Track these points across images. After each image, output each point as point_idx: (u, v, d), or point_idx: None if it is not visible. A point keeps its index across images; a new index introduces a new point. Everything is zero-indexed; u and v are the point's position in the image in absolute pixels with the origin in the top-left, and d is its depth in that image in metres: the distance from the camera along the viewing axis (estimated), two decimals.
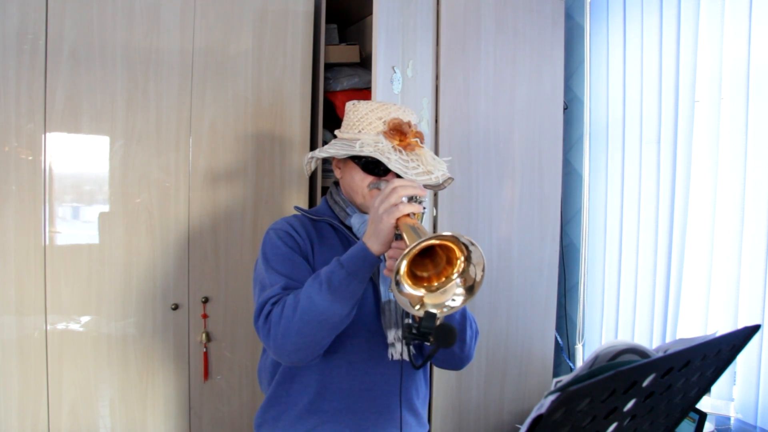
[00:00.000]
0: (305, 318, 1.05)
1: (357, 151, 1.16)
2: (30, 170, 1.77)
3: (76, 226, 1.85)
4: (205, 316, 2.01)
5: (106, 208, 1.87)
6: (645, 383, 0.65)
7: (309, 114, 2.17)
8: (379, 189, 1.19)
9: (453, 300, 0.96)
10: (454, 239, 0.93)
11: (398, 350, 1.21)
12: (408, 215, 1.01)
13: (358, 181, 1.23)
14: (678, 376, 0.71)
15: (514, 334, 2.17)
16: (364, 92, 2.26)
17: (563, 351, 2.44)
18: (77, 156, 1.83)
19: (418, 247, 0.90)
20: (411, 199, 1.04)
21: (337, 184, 1.33)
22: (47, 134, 1.78)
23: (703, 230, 1.93)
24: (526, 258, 2.18)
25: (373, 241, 1.03)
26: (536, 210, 2.19)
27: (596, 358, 0.77)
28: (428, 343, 0.95)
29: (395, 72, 1.81)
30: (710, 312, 1.90)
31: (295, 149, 2.14)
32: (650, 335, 2.10)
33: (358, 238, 1.25)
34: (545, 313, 2.26)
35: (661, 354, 0.67)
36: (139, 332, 1.92)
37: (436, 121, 1.95)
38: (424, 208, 1.05)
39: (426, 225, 1.94)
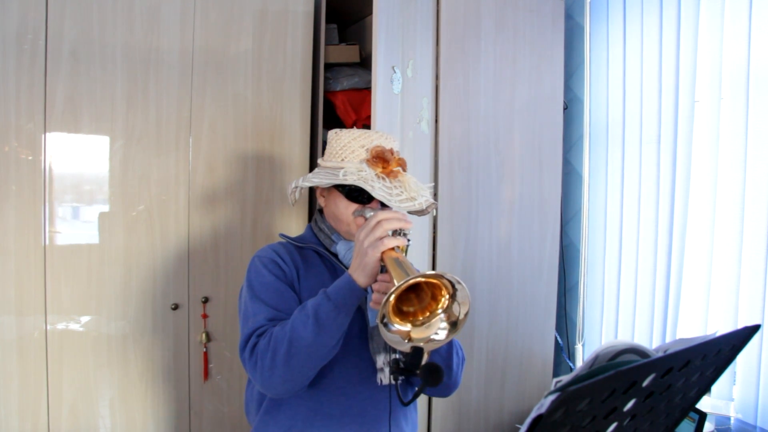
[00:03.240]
0: (292, 350, 1.05)
1: (341, 180, 1.17)
2: (30, 170, 1.77)
3: (76, 226, 1.85)
4: (205, 316, 2.01)
5: (106, 208, 1.87)
6: (645, 383, 0.65)
7: (309, 114, 2.17)
8: (363, 216, 1.20)
9: (437, 334, 0.98)
10: (439, 277, 0.95)
11: (387, 375, 1.21)
12: (392, 249, 1.02)
13: (343, 209, 1.23)
14: (678, 376, 0.71)
15: (514, 334, 2.17)
16: (364, 92, 2.26)
17: (563, 351, 2.44)
18: (77, 156, 1.83)
19: (404, 286, 0.91)
20: (396, 231, 1.06)
21: (321, 212, 1.34)
22: (47, 134, 1.78)
23: (703, 230, 1.93)
24: (526, 258, 2.18)
25: (359, 273, 1.05)
26: (536, 210, 2.19)
27: (596, 358, 0.77)
28: (417, 377, 0.96)
29: (395, 72, 1.81)
30: (710, 312, 1.90)
31: (295, 149, 2.14)
32: (650, 335, 2.10)
33: (344, 265, 1.26)
34: (545, 313, 2.26)
35: (661, 354, 0.67)
36: (139, 332, 1.92)
37: (436, 121, 1.95)
38: (409, 240, 1.07)
39: (425, 228, 1.94)
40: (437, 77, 1.95)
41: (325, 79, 2.25)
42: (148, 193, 1.91)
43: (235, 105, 2.03)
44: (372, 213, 1.18)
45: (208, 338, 2.02)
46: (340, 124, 2.34)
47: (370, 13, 1.77)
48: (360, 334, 1.22)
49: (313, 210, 2.18)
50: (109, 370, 1.88)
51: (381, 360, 1.21)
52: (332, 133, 1.28)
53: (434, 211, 1.95)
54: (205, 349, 2.01)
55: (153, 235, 1.92)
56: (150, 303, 1.93)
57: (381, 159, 1.19)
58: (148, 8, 1.88)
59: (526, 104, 2.15)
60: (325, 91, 2.25)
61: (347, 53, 2.32)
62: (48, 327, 1.80)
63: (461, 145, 2.00)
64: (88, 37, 1.81)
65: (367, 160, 1.20)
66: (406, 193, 1.19)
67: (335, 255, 1.28)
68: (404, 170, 1.23)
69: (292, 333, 1.06)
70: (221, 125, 2.01)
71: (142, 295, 1.92)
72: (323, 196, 1.30)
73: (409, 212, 1.26)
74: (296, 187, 1.28)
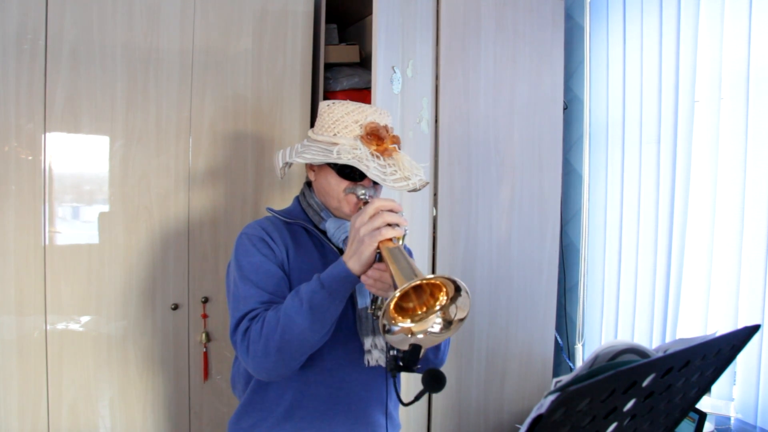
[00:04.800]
0: (286, 337, 1.05)
1: (335, 158, 1.13)
2: (30, 170, 1.77)
3: (76, 226, 1.85)
4: (204, 316, 2.01)
5: (106, 208, 1.87)
6: (645, 383, 0.65)
7: (309, 114, 2.17)
8: (355, 194, 1.18)
9: (432, 327, 0.98)
10: (442, 279, 0.93)
11: (374, 357, 1.21)
12: (390, 239, 1.00)
13: (334, 186, 1.20)
14: (678, 376, 0.71)
15: (514, 334, 2.17)
16: (363, 92, 2.26)
17: (563, 351, 2.44)
18: (77, 156, 1.83)
19: (406, 289, 0.90)
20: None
21: (309, 185, 1.31)
22: (47, 134, 1.78)
23: (703, 230, 1.93)
24: (526, 258, 2.18)
25: (354, 261, 1.02)
26: (536, 210, 2.19)
27: (596, 358, 0.77)
28: (411, 372, 0.96)
29: (395, 72, 1.81)
30: (710, 312, 1.90)
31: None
32: (650, 335, 2.10)
33: (332, 243, 1.24)
34: (545, 313, 2.26)
35: (661, 354, 0.67)
36: (139, 332, 1.92)
37: (436, 121, 1.95)
38: (406, 230, 1.04)
39: (425, 226, 1.94)
40: (437, 77, 1.95)
41: (325, 79, 2.25)
42: (148, 193, 1.91)
43: (235, 105, 2.03)
44: (364, 191, 1.16)
45: (208, 338, 2.02)
46: None
47: (370, 13, 1.77)
48: (348, 316, 1.21)
49: None
50: (109, 370, 1.88)
51: (369, 342, 1.20)
52: (324, 105, 1.23)
53: (434, 210, 1.96)
54: (205, 349, 2.01)
55: (153, 235, 1.92)
56: (150, 303, 1.93)
57: (375, 136, 1.16)
58: (148, 8, 1.88)
59: (526, 104, 2.15)
60: (325, 91, 2.25)
61: (347, 53, 2.32)
62: (48, 327, 1.80)
63: (461, 145, 2.00)
64: (88, 37, 1.81)
65: (362, 137, 1.16)
66: (400, 172, 1.16)
67: (324, 232, 1.25)
68: (398, 148, 1.20)
69: (286, 320, 1.05)
70: (221, 125, 2.01)
71: (142, 295, 1.92)
72: (313, 170, 1.26)
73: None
74: (286, 164, 1.25)
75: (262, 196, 2.09)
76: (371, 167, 1.13)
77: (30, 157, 1.77)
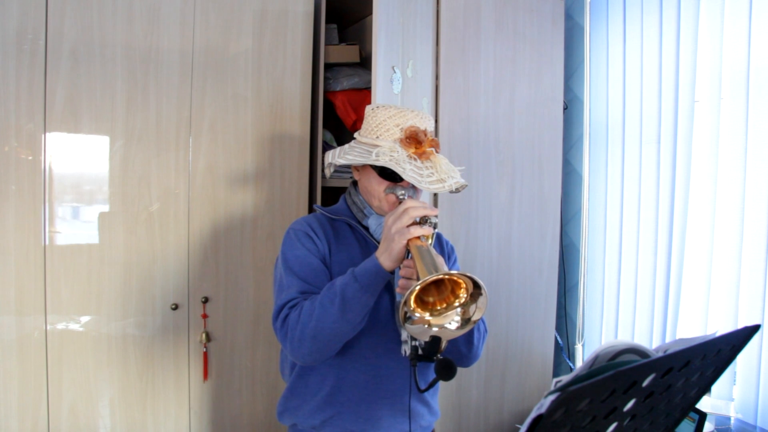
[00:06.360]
0: (320, 325, 1.13)
1: (373, 160, 1.20)
2: (30, 170, 1.77)
3: (76, 226, 1.85)
4: (204, 316, 2.01)
5: (106, 208, 1.87)
6: (645, 383, 0.65)
7: (309, 114, 2.17)
8: (394, 194, 1.25)
9: (450, 324, 1.04)
10: (464, 278, 1.00)
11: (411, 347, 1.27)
12: (418, 237, 1.08)
13: (375, 185, 1.28)
14: (678, 376, 0.71)
15: (514, 334, 2.17)
16: (364, 92, 2.26)
17: (563, 351, 2.44)
18: (77, 156, 1.83)
19: (426, 282, 0.97)
20: (423, 218, 1.11)
21: (355, 184, 1.38)
22: (47, 134, 1.78)
23: (703, 230, 1.93)
24: (526, 258, 2.18)
25: (385, 257, 1.11)
26: (536, 210, 2.19)
27: (596, 358, 0.78)
28: (431, 362, 1.05)
29: (395, 72, 1.81)
30: (710, 312, 1.90)
31: (294, 149, 2.14)
32: (650, 335, 2.10)
33: (374, 238, 1.32)
34: (545, 313, 2.26)
35: (661, 354, 0.67)
36: (139, 332, 1.92)
37: (436, 121, 1.95)
38: (435, 228, 1.12)
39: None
40: (437, 77, 1.95)
41: (325, 79, 2.25)
42: (148, 193, 1.91)
43: (235, 105, 2.03)
44: (403, 191, 1.23)
45: (208, 338, 2.02)
46: (340, 124, 2.34)
47: (370, 13, 1.77)
48: (387, 306, 1.28)
49: (314, 200, 2.19)
50: (109, 370, 1.88)
51: (405, 332, 1.26)
52: (369, 109, 1.31)
53: None
54: (205, 349, 2.01)
55: (153, 235, 1.92)
56: (150, 303, 1.93)
57: (414, 140, 1.22)
58: (148, 8, 1.88)
59: (526, 104, 2.15)
60: (325, 91, 2.25)
61: (347, 53, 2.31)
62: (48, 327, 1.80)
63: (461, 145, 2.00)
64: (88, 37, 1.81)
65: (401, 140, 1.22)
66: (436, 175, 1.22)
67: (366, 228, 1.33)
68: (437, 151, 1.25)
69: (320, 310, 1.14)
70: (221, 125, 2.01)
71: (142, 295, 1.92)
72: (357, 170, 1.34)
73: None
74: (330, 164, 1.32)
75: (261, 196, 2.09)
76: (407, 169, 1.19)
77: (30, 157, 1.77)
